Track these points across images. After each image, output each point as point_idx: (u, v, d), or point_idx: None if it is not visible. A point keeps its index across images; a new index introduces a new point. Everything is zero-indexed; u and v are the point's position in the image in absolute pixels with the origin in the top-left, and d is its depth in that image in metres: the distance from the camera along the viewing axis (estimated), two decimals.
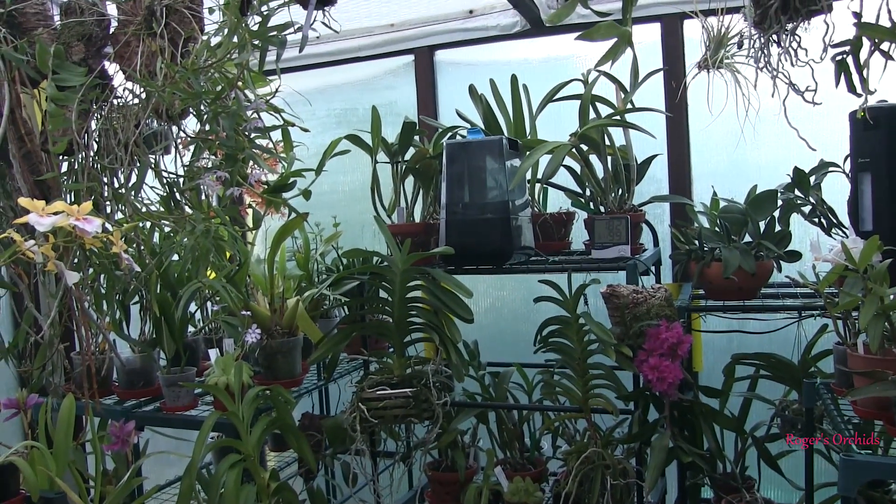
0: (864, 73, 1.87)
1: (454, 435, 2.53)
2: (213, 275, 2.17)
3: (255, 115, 1.87)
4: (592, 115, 2.55)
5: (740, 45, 2.20)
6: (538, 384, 2.60)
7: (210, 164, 1.90)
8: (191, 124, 1.92)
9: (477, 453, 2.69)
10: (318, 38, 3.40)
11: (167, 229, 2.08)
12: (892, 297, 1.71)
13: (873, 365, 1.72)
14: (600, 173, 2.52)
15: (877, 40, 1.82)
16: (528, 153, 2.37)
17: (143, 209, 1.86)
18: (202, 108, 1.79)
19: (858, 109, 2.15)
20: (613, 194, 2.52)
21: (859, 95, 1.89)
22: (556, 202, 2.72)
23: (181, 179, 1.91)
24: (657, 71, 2.63)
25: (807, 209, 2.47)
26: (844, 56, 1.89)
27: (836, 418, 1.83)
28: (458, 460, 2.55)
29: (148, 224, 2.05)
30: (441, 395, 2.29)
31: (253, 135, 1.91)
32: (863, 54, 1.86)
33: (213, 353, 2.20)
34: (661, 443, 2.17)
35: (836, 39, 1.89)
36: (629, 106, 2.50)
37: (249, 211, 2.35)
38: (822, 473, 2.21)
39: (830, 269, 1.85)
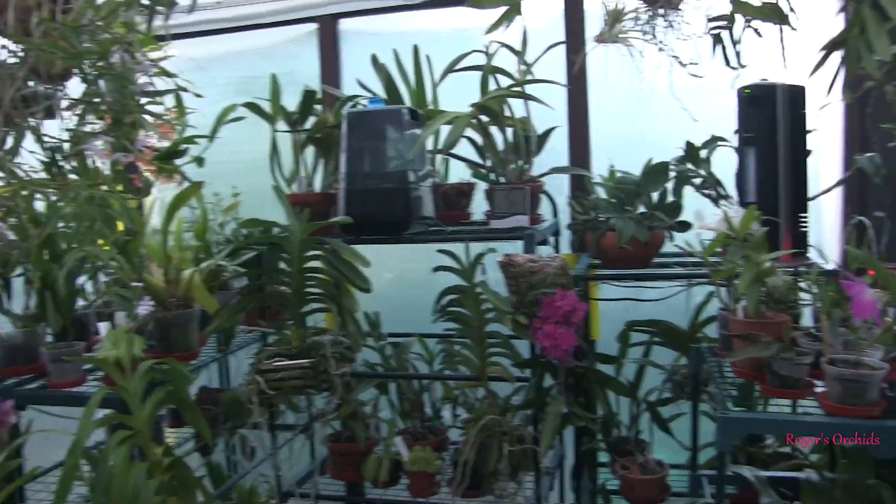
0: (737, 47, 1.93)
1: (354, 406, 2.53)
2: (104, 244, 2.11)
3: (143, 77, 1.81)
4: (493, 86, 2.56)
5: (637, 20, 2.23)
6: (439, 354, 2.62)
7: (97, 129, 1.83)
8: (77, 87, 1.85)
9: (378, 424, 2.70)
10: (218, 2, 3.33)
11: (54, 198, 2.00)
12: (768, 263, 1.77)
13: (750, 328, 1.78)
14: (501, 145, 2.53)
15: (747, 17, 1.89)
16: (428, 123, 2.37)
17: (23, 175, 1.78)
18: (86, 68, 1.72)
19: (745, 86, 2.24)
20: (513, 165, 2.53)
21: (734, 69, 1.95)
22: (458, 173, 2.73)
23: (65, 144, 1.83)
24: (558, 44, 2.65)
25: (698, 181, 2.53)
26: (719, 30, 1.95)
27: (718, 380, 1.89)
28: (359, 431, 2.55)
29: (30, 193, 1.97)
30: (340, 365, 2.29)
31: (143, 100, 1.85)
32: (737, 30, 1.92)
33: (104, 327, 2.15)
34: (555, 409, 2.21)
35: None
36: (529, 77, 2.52)
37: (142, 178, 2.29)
38: (710, 434, 2.28)
39: (714, 238, 1.91)
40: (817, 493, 1.89)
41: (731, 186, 2.43)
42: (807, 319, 2.03)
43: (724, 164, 2.49)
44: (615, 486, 2.51)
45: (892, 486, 1.77)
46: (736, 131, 2.38)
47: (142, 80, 1.82)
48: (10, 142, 1.75)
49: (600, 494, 2.58)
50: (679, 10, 1.94)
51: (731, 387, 1.88)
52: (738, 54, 1.96)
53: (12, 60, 1.73)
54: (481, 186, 2.63)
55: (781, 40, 1.88)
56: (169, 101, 2.08)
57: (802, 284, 1.92)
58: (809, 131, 2.30)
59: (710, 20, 1.94)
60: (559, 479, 2.69)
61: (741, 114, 2.31)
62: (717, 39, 1.96)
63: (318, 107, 2.70)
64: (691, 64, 1.99)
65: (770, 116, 2.22)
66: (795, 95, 2.23)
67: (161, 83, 1.94)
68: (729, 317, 1.89)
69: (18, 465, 1.94)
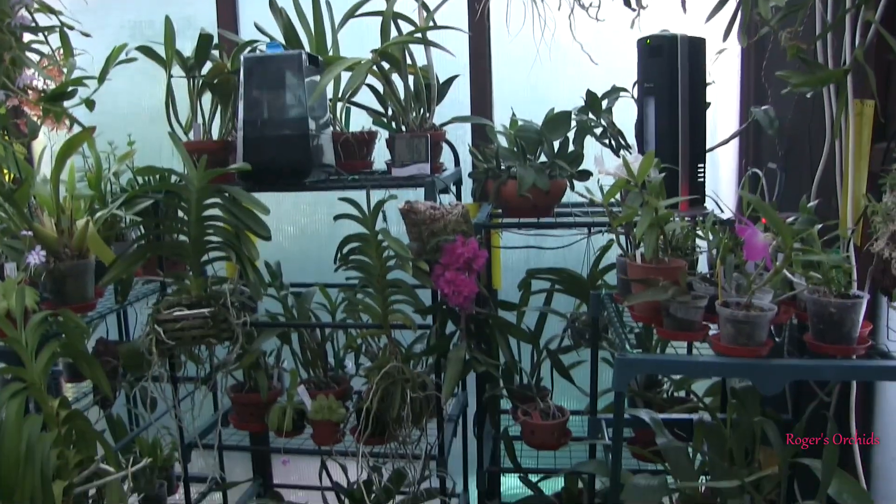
0: None
1: (256, 356, 2.51)
2: None
3: (22, 10, 1.72)
4: (395, 32, 2.53)
5: None
6: (341, 303, 2.61)
7: None
8: None
9: (280, 374, 2.69)
10: None
11: None
12: (665, 208, 1.81)
13: (648, 273, 1.83)
14: (402, 93, 2.52)
15: None
16: (328, 69, 2.34)
17: None
18: None
19: (645, 36, 2.26)
20: (415, 113, 2.52)
21: (633, 10, 1.97)
22: (359, 122, 2.70)
23: None
24: None
25: (598, 131, 2.57)
26: None
27: (616, 325, 1.94)
28: (261, 381, 2.53)
29: None
30: (241, 314, 2.26)
31: (26, 38, 1.77)
32: None
33: None
34: (457, 355, 2.24)
35: None
36: (430, 24, 2.50)
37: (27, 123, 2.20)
38: (608, 382, 2.35)
39: (613, 184, 1.94)
40: (708, 432, 1.97)
41: (631, 137, 2.47)
42: (702, 266, 2.10)
43: (625, 115, 2.53)
44: (517, 432, 2.56)
45: (776, 422, 1.86)
46: (636, 82, 2.41)
47: (22, 13, 1.74)
48: None
49: (502, 440, 2.62)
50: None
51: (630, 332, 1.93)
52: None
53: None
54: (383, 135, 2.62)
55: None
56: (55, 41, 2.00)
57: (699, 232, 1.97)
58: (708, 83, 2.35)
59: None
60: (462, 425, 2.72)
61: (641, 64, 2.34)
62: None
63: (216, 52, 2.63)
64: (591, 7, 2.00)
65: (670, 67, 2.25)
66: (695, 47, 2.26)
67: (45, 20, 1.86)
68: (628, 262, 1.93)
69: None
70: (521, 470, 2.62)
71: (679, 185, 2.29)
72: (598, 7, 1.99)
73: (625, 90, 2.57)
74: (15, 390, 1.90)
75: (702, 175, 2.33)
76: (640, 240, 1.85)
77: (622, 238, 2.08)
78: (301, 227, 3.35)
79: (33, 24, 1.79)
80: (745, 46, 2.33)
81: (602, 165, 1.96)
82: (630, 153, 2.49)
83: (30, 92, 1.87)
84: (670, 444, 1.87)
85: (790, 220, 1.78)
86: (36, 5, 1.74)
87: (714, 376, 2.21)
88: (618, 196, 2.07)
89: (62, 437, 1.98)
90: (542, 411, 2.48)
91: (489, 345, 2.44)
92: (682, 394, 2.55)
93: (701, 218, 2.11)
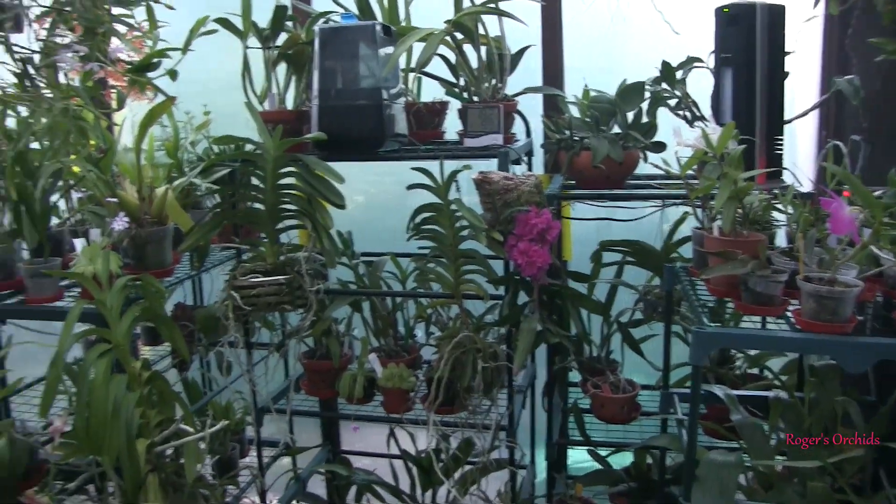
0: None
1: (328, 323, 2.55)
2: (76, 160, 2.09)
3: None
4: (467, 3, 2.53)
5: None
6: (412, 273, 2.63)
7: (68, 41, 1.80)
8: None
9: (351, 342, 2.73)
10: None
11: (25, 113, 1.97)
12: (744, 180, 1.79)
13: (725, 246, 1.80)
14: (474, 63, 2.51)
15: None
16: (401, 40, 2.35)
17: None
18: None
19: (723, 5, 2.22)
20: (487, 84, 2.52)
21: None
22: (431, 92, 2.71)
23: (36, 56, 1.80)
24: None
25: (673, 102, 2.54)
26: None
27: (691, 297, 1.92)
28: (333, 348, 2.58)
29: (0, 108, 1.94)
30: (314, 282, 2.30)
31: (115, 11, 1.81)
32: None
33: (79, 243, 2.14)
34: (529, 325, 2.24)
35: None
36: None
37: (114, 94, 2.25)
38: (679, 356, 2.33)
39: (691, 155, 1.92)
40: (785, 410, 1.94)
41: (706, 107, 2.44)
42: (780, 240, 2.06)
43: (700, 86, 2.50)
44: (586, 405, 2.56)
45: (858, 402, 1.83)
46: (712, 52, 2.37)
47: None
48: None
49: (572, 412, 2.63)
50: None
51: (703, 306, 1.91)
52: None
53: None
54: (454, 105, 2.62)
55: None
56: (140, 14, 2.04)
57: (778, 205, 1.94)
58: (788, 53, 2.30)
59: None
60: (531, 397, 2.73)
61: (719, 34, 2.30)
62: None
63: (290, 23, 2.66)
64: None
65: (748, 36, 2.21)
66: (775, 15, 2.21)
67: None
68: (704, 235, 1.91)
69: (2, 377, 1.95)
70: (590, 443, 2.62)
71: (756, 158, 2.25)
72: None
73: (700, 60, 2.53)
74: (102, 350, 1.96)
75: (780, 147, 2.29)
76: (717, 212, 1.84)
77: (698, 210, 2.05)
78: (371, 197, 3.38)
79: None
80: (831, 14, 2.27)
81: (680, 137, 1.94)
82: (706, 125, 2.45)
83: (117, 63, 1.91)
84: (745, 420, 1.85)
85: (877, 193, 1.74)
86: None
87: (795, 352, 2.18)
88: (692, 169, 2.05)
89: (144, 397, 2.05)
90: (611, 384, 2.48)
91: (560, 316, 2.44)
92: (756, 371, 2.52)
93: (780, 191, 2.07)
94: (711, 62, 2.42)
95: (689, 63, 2.55)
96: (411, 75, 2.68)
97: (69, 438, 1.94)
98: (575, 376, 2.69)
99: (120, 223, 2.06)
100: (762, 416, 1.98)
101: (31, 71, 1.82)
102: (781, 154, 2.30)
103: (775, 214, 1.98)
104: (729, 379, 2.43)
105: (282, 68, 2.67)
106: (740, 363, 2.54)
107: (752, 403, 2.03)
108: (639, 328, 2.58)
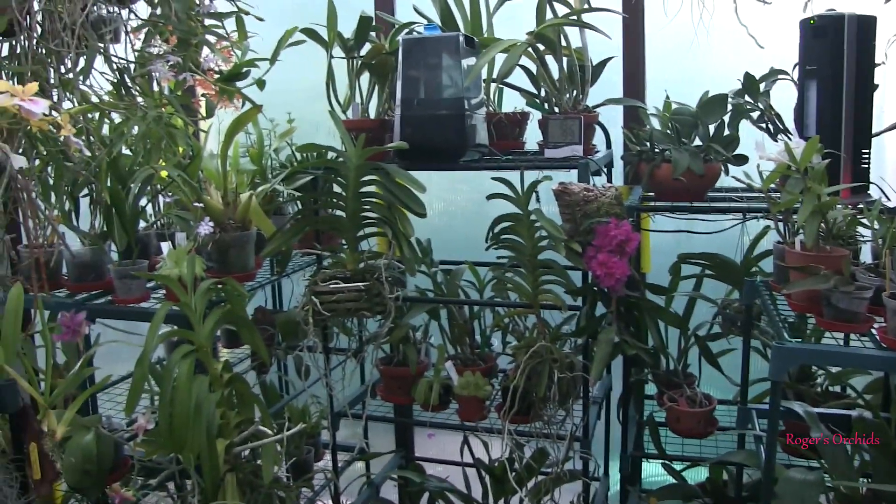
0: None
1: (406, 330, 2.57)
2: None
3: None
4: (549, 14, 2.53)
5: None
6: (490, 282, 2.65)
7: (161, 51, 1.86)
8: (142, 9, 1.87)
9: (428, 349, 2.75)
10: None
11: (118, 120, 2.04)
12: (828, 195, 1.76)
13: (808, 261, 1.78)
14: (556, 74, 2.52)
15: None
16: (483, 51, 2.37)
17: (93, 97, 1.82)
18: None
19: (809, 17, 2.19)
20: (568, 95, 2.52)
21: None
22: (512, 102, 2.72)
23: (132, 66, 1.87)
24: None
25: (756, 114, 2.51)
26: None
27: (771, 311, 1.90)
28: (410, 355, 2.60)
29: (98, 115, 2.01)
30: (393, 289, 2.32)
31: (207, 21, 1.87)
32: None
33: (166, 247, 2.20)
34: (606, 337, 2.23)
35: None
36: (586, 6, 2.49)
37: (202, 102, 2.31)
38: (757, 371, 2.30)
39: (774, 169, 1.89)
40: (869, 430, 1.89)
41: (789, 120, 2.40)
42: (865, 256, 2.02)
43: (784, 99, 2.46)
44: (661, 418, 2.54)
45: None
46: (797, 64, 2.34)
47: (207, 1, 1.84)
48: (81, 63, 1.78)
49: (647, 425, 2.61)
50: None
51: (783, 321, 1.88)
52: None
53: None
54: (535, 116, 2.63)
55: None
56: (230, 24, 2.10)
57: (863, 220, 1.90)
58: (877, 64, 2.25)
59: None
60: (606, 408, 2.72)
61: (804, 45, 2.27)
62: None
63: (373, 34, 2.70)
64: None
65: (835, 48, 2.17)
66: (865, 26, 2.16)
67: (222, 5, 1.96)
68: (786, 249, 1.88)
69: (91, 374, 2.01)
70: (665, 457, 2.60)
71: (841, 172, 2.21)
72: None
73: (784, 73, 2.49)
74: (186, 351, 2.01)
75: (866, 161, 2.24)
76: (800, 227, 1.81)
77: (780, 224, 2.02)
78: (451, 204, 3.41)
79: (214, 11, 1.89)
80: None
81: (763, 150, 1.92)
82: (789, 138, 2.42)
83: (208, 72, 1.97)
84: None
85: None
86: None
87: (880, 370, 2.13)
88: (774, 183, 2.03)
89: (224, 398, 2.10)
90: (688, 398, 2.45)
91: (638, 328, 2.43)
92: (838, 389, 2.46)
93: (865, 205, 2.03)
94: (796, 74, 2.38)
95: (773, 75, 2.51)
96: (493, 86, 2.70)
97: (152, 436, 2.00)
98: (651, 389, 2.67)
99: (205, 228, 2.11)
100: (844, 435, 1.93)
101: (127, 80, 1.89)
102: (868, 168, 2.25)
103: (860, 229, 1.94)
104: (809, 396, 2.38)
105: (365, 78, 2.71)
106: (821, 380, 2.49)
107: (834, 422, 1.99)
108: (717, 342, 2.55)
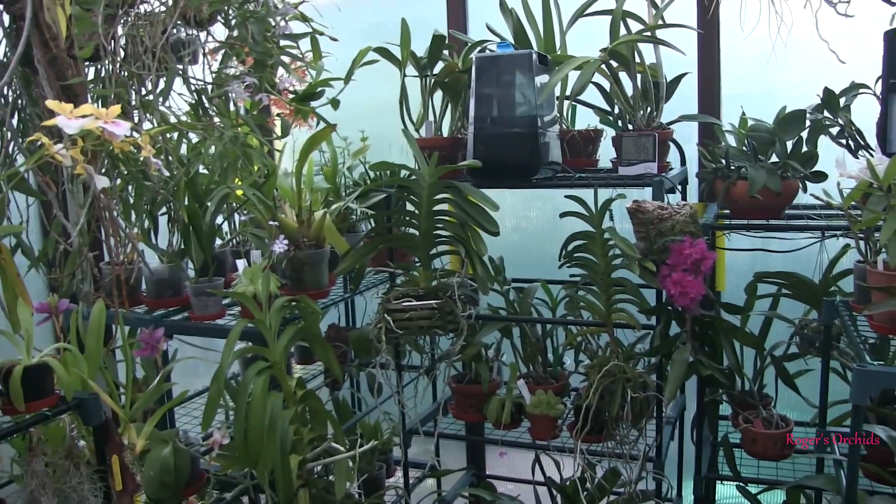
0: None
1: (478, 348, 2.57)
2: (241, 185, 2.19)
3: (283, 21, 1.87)
4: (623, 31, 2.52)
5: None
6: (562, 300, 2.63)
7: (238, 73, 1.90)
8: (219, 32, 1.92)
9: (500, 367, 2.74)
10: None
11: (195, 140, 2.09)
12: None
13: (891, 281, 1.73)
14: (629, 91, 2.50)
15: None
16: (557, 68, 2.36)
17: (171, 118, 1.87)
18: (230, 13, 1.79)
19: (894, 27, 2.13)
20: (642, 112, 2.50)
21: (893, 4, 1.86)
22: (585, 120, 2.71)
23: (209, 87, 1.91)
24: None
25: (835, 130, 2.45)
26: None
27: (852, 333, 1.85)
28: (482, 373, 2.60)
29: (176, 135, 2.06)
30: (466, 307, 2.32)
31: (282, 42, 1.91)
32: None
33: (241, 264, 2.24)
34: (681, 356, 2.20)
35: None
36: (660, 22, 2.48)
37: (277, 121, 2.35)
38: (836, 393, 2.24)
39: (854, 187, 1.85)
40: None
41: (871, 136, 2.34)
42: None
43: (865, 114, 2.40)
44: (736, 439, 2.49)
45: None
46: (880, 77, 2.28)
47: (283, 24, 1.88)
48: (160, 85, 1.83)
49: (721, 446, 2.56)
50: None
51: (864, 342, 1.83)
52: None
53: (162, 8, 1.80)
54: (608, 133, 2.61)
55: None
56: (304, 44, 2.13)
57: None
58: None
59: None
60: (679, 428, 2.68)
61: (887, 58, 2.20)
62: None
63: (446, 52, 2.72)
64: (840, 3, 1.90)
65: None
66: None
67: (297, 26, 2.00)
68: (867, 269, 1.83)
69: (169, 389, 2.06)
70: (739, 479, 2.55)
71: None
72: (849, 2, 1.89)
73: (866, 87, 2.43)
74: (260, 368, 2.04)
75: None
76: (883, 245, 1.76)
77: (861, 243, 1.97)
78: (524, 221, 3.40)
79: (289, 33, 1.93)
80: None
81: (843, 168, 1.87)
82: (871, 154, 2.36)
83: (283, 92, 2.00)
84: None
85: None
86: (294, 13, 1.87)
87: None
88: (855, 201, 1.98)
89: (298, 414, 2.12)
90: (764, 419, 2.40)
91: (713, 348, 2.39)
92: None
93: None
94: (878, 88, 2.32)
95: (854, 89, 2.45)
96: (566, 103, 2.69)
97: (227, 451, 2.03)
98: (726, 409, 2.62)
99: (280, 246, 2.15)
100: None
101: (204, 101, 1.93)
102: None
103: None
104: (893, 419, 2.31)
105: (438, 96, 2.73)
106: None
107: None
108: (794, 362, 2.50)
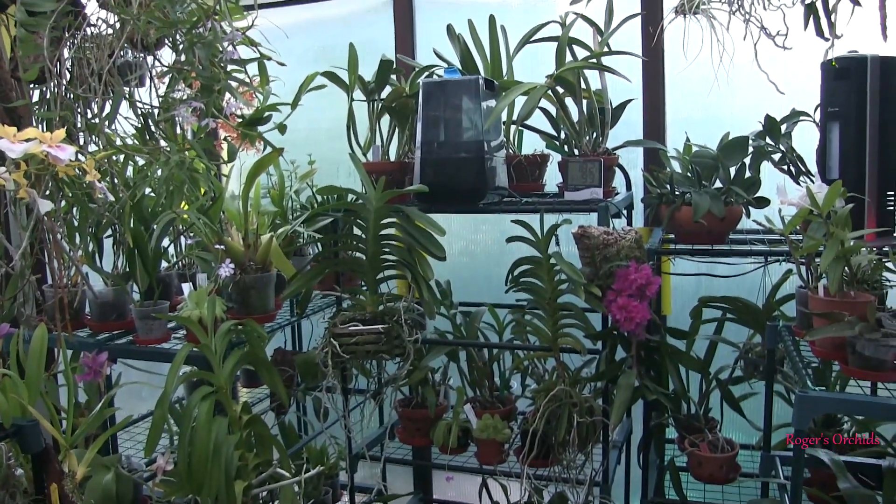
0: (833, 17, 1.89)
1: (425, 372, 2.57)
2: (187, 208, 2.17)
3: (230, 46, 1.86)
4: (569, 57, 2.55)
5: None
6: (509, 324, 2.64)
7: (185, 97, 1.89)
8: (166, 56, 1.91)
9: (447, 391, 2.74)
10: None
11: (141, 162, 2.07)
12: (851, 241, 1.75)
13: (832, 307, 1.76)
14: (575, 116, 2.53)
15: None
16: (504, 94, 2.38)
17: (118, 141, 1.85)
18: (178, 37, 1.78)
19: (830, 59, 2.18)
20: (588, 137, 2.53)
21: (826, 40, 1.91)
22: (532, 145, 2.73)
23: (156, 111, 1.90)
24: (634, 15, 2.63)
25: (777, 157, 2.50)
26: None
27: (795, 359, 1.88)
28: (429, 397, 2.59)
29: (122, 157, 2.04)
30: (413, 332, 2.32)
31: (229, 67, 1.90)
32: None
33: (187, 288, 2.21)
34: (626, 381, 2.22)
35: None
36: (605, 49, 2.51)
37: (224, 145, 2.34)
38: (781, 415, 2.27)
39: (795, 214, 1.88)
40: None
41: (811, 163, 2.39)
42: (892, 301, 2.00)
43: (805, 140, 2.45)
44: (683, 463, 2.51)
45: None
46: (818, 105, 2.34)
47: (230, 49, 1.87)
48: (106, 108, 1.81)
49: (668, 470, 2.58)
50: None
51: (807, 366, 1.86)
52: (831, 24, 1.91)
53: (109, 31, 1.78)
54: (555, 157, 2.63)
55: (883, 7, 1.83)
56: (252, 68, 2.12)
57: (888, 264, 1.88)
58: None
59: None
60: (626, 452, 2.69)
61: (825, 87, 2.26)
62: (811, 9, 1.92)
63: (394, 76, 2.72)
64: (779, 35, 1.95)
65: (858, 90, 2.16)
66: (889, 67, 2.15)
67: (245, 51, 1.99)
68: (809, 295, 1.86)
69: (112, 414, 2.02)
70: (686, 503, 2.56)
71: (865, 215, 2.20)
72: (786, 35, 1.94)
73: (806, 114, 2.49)
74: (205, 393, 2.02)
75: (892, 204, 2.22)
76: (823, 272, 1.79)
77: (802, 268, 2.01)
78: (470, 243, 3.41)
79: (237, 58, 1.92)
80: None
81: (784, 195, 1.91)
82: (811, 180, 2.41)
83: (230, 117, 1.99)
84: (855, 490, 1.78)
85: None
86: (240, 38, 1.87)
87: None
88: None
89: (243, 439, 2.09)
90: (710, 443, 2.42)
91: (658, 372, 2.41)
92: (866, 435, 2.42)
93: (891, 249, 2.01)
94: (818, 116, 2.38)
95: (794, 117, 2.51)
96: (512, 128, 2.71)
97: (171, 476, 2.00)
98: (672, 433, 2.64)
99: (226, 270, 2.13)
100: (874, 485, 1.90)
101: (151, 124, 1.91)
102: (894, 211, 2.23)
103: (886, 274, 1.92)
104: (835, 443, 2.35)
105: (385, 120, 2.73)
106: (848, 426, 2.45)
107: (863, 471, 1.95)
108: (739, 385, 2.53)
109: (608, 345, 2.32)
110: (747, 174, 2.47)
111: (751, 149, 2.49)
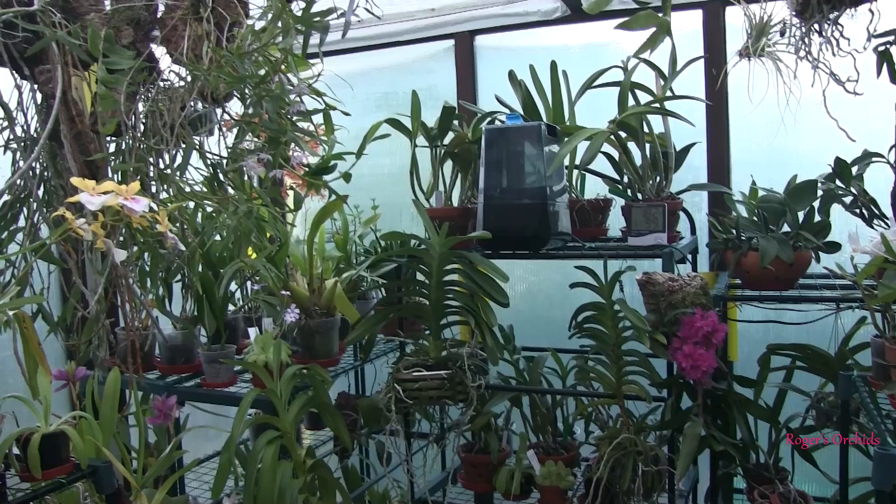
0: None
1: (488, 418, 2.56)
2: (254, 255, 2.21)
3: (297, 98, 1.90)
4: (631, 102, 2.55)
5: (782, 34, 2.19)
6: (572, 370, 2.62)
7: (253, 147, 1.93)
8: (235, 107, 1.96)
9: (510, 437, 2.72)
10: (359, 21, 3.39)
11: (210, 210, 2.11)
12: None
13: None
14: (638, 160, 2.52)
15: None
16: (566, 139, 2.38)
17: (188, 189, 1.90)
18: (246, 91, 1.83)
19: None
20: (651, 182, 2.52)
21: None
22: (594, 189, 2.73)
23: (224, 161, 1.94)
24: (697, 59, 2.61)
25: (848, 200, 2.44)
26: (888, 46, 1.88)
27: (872, 411, 1.82)
28: (492, 443, 2.58)
29: (192, 204, 2.09)
30: (476, 377, 2.31)
31: (295, 118, 1.94)
32: None
33: (253, 332, 2.25)
34: (693, 430, 2.18)
35: (881, 29, 1.88)
36: (668, 94, 2.50)
37: (290, 193, 2.38)
38: (858, 467, 2.20)
39: (869, 261, 1.84)
40: None
41: (886, 206, 2.34)
42: None
43: (878, 183, 2.40)
44: None
45: None
46: (894, 146, 2.29)
47: (297, 101, 1.92)
48: (178, 159, 1.86)
49: None
50: (839, 24, 1.88)
51: (886, 417, 1.80)
52: None
53: (181, 84, 1.84)
54: (617, 202, 2.62)
55: None
56: (317, 117, 2.16)
57: None
58: None
59: (874, 36, 1.87)
60: (692, 502, 2.64)
61: None
62: (884, 55, 1.89)
63: (456, 122, 2.75)
64: (849, 81, 1.92)
65: None
66: None
67: (309, 100, 2.03)
68: (886, 345, 1.81)
69: (180, 456, 2.06)
70: None
71: None
72: (857, 81, 1.91)
73: (879, 155, 2.43)
74: (271, 437, 2.05)
75: None
76: None
77: (878, 316, 1.95)
78: (533, 286, 3.40)
79: (303, 109, 1.96)
80: None
81: (857, 243, 1.87)
82: (885, 224, 2.35)
83: (296, 167, 2.03)
84: None
85: None
86: (306, 89, 1.91)
87: None
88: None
89: (307, 483, 2.11)
90: (780, 495, 2.36)
91: (725, 420, 2.36)
92: None
93: None
94: (892, 157, 2.33)
95: (867, 158, 2.45)
96: (575, 172, 2.70)
97: None
98: (740, 482, 2.58)
99: (291, 315, 2.16)
100: None
101: (219, 174, 1.96)
102: None
103: None
104: None
105: (448, 166, 2.75)
106: None
107: None
108: (811, 434, 2.46)
109: (673, 392, 2.29)
110: (816, 218, 2.42)
111: (820, 192, 2.44)
